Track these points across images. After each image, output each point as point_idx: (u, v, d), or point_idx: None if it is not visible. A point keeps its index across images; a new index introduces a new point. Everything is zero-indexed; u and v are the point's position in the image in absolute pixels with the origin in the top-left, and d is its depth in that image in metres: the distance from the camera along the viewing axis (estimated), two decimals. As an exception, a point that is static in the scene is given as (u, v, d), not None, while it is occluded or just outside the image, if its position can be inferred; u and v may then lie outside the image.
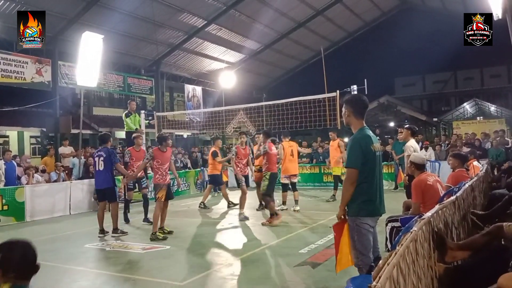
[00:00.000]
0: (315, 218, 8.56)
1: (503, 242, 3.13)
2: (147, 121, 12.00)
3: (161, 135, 7.77)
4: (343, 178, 10.05)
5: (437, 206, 3.57)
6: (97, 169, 7.77)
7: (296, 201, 9.71)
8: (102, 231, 7.67)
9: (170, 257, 5.96)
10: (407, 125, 8.01)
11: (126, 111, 10.79)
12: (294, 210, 9.46)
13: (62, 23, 15.68)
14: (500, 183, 8.98)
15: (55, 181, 11.22)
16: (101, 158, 7.66)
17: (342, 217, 3.55)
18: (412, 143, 7.16)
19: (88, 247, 6.86)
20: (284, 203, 9.77)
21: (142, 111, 11.76)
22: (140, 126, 11.29)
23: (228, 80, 22.06)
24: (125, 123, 10.82)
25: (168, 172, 7.51)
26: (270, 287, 4.55)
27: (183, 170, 14.59)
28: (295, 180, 10.03)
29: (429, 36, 21.26)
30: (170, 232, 7.48)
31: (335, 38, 26.63)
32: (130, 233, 7.77)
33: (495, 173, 10.93)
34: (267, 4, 19.68)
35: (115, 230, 7.69)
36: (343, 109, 3.72)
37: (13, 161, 11.04)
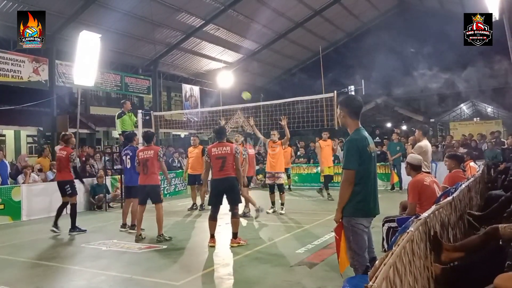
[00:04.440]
0: (312, 218, 8.57)
1: (500, 243, 3.14)
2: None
3: (146, 132, 7.71)
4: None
5: (433, 207, 3.58)
6: (125, 166, 8.15)
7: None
8: (125, 225, 7.94)
9: (167, 257, 5.95)
10: (419, 126, 7.95)
11: (120, 111, 10.64)
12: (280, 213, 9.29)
13: (59, 21, 15.63)
14: (497, 184, 9.03)
15: (51, 180, 11.18)
16: (128, 157, 7.99)
17: (341, 220, 3.54)
18: (423, 143, 7.16)
19: (84, 246, 6.84)
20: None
21: (140, 111, 11.71)
22: (136, 125, 11.22)
23: (226, 80, 22.03)
24: (116, 124, 10.64)
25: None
26: (267, 287, 4.55)
27: (180, 170, 14.56)
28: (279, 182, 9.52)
29: (427, 37, 21.21)
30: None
31: (333, 39, 26.65)
32: (126, 233, 7.76)
33: (492, 174, 10.96)
34: (265, 4, 19.68)
35: (133, 226, 7.78)
36: (338, 111, 3.73)
37: (5, 160, 11.00)
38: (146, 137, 7.41)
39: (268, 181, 9.73)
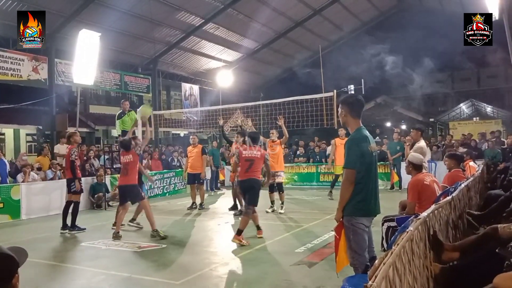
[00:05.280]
0: (311, 217, 8.57)
1: (497, 251, 3.13)
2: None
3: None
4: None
5: (433, 206, 3.58)
6: None
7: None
8: (123, 224, 7.87)
9: (166, 256, 5.95)
10: (417, 126, 7.92)
11: (120, 112, 10.57)
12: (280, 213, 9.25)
13: (59, 20, 15.60)
14: (496, 183, 9.03)
15: (51, 179, 11.18)
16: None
17: (341, 219, 3.54)
18: (422, 143, 7.15)
19: (84, 245, 6.84)
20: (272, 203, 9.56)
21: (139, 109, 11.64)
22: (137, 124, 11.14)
23: (226, 79, 22.03)
24: (116, 125, 10.57)
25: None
26: (266, 286, 4.55)
27: (180, 169, 14.56)
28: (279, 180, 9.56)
29: (427, 36, 21.25)
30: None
31: (333, 38, 26.65)
32: (126, 232, 7.75)
33: (491, 173, 10.96)
34: (265, 3, 19.67)
35: (132, 220, 8.08)
36: (340, 109, 3.72)
37: (4, 159, 10.97)
38: (123, 146, 7.64)
39: None
